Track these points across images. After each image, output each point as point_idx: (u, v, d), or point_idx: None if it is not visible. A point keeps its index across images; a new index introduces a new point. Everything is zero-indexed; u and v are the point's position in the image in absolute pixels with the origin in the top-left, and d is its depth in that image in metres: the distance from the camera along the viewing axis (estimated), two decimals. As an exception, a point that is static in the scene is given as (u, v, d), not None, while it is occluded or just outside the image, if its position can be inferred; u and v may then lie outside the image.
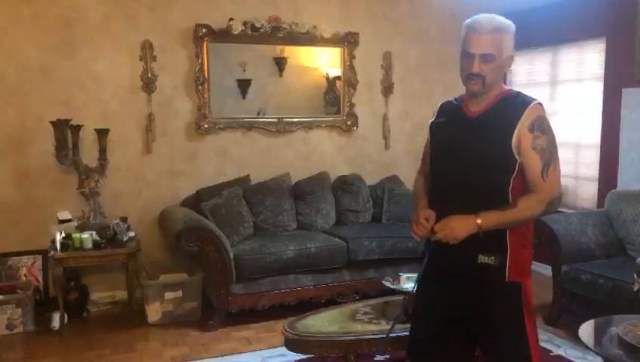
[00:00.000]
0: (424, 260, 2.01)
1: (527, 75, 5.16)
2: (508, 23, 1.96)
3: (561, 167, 1.96)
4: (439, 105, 2.17)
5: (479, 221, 1.86)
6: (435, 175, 2.11)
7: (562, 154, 5.16)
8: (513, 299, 1.94)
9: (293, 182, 4.66)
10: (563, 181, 5.15)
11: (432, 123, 2.15)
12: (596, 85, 4.46)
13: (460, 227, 1.87)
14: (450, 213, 1.93)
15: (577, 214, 4.01)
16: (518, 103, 1.92)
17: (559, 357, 3.25)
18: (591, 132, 4.52)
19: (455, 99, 2.10)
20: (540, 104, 1.93)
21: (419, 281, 2.14)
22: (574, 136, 4.69)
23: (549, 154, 1.88)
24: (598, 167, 4.44)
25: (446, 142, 2.06)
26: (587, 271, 3.45)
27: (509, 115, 1.90)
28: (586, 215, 3.95)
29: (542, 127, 1.89)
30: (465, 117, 2.00)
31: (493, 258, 1.92)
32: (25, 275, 4.03)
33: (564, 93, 4.80)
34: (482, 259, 1.92)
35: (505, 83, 5.52)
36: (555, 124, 5.15)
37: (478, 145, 1.93)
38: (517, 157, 1.89)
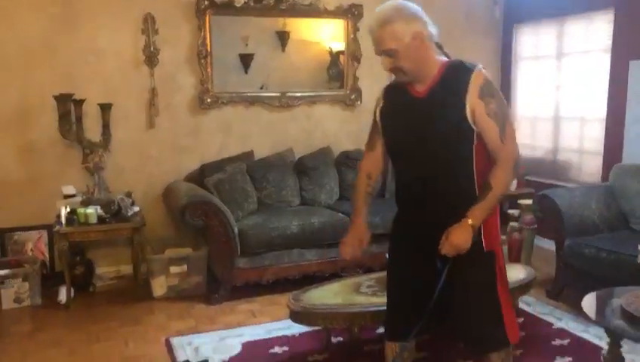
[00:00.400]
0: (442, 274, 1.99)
1: (533, 48, 5.09)
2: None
3: (517, 132, 1.97)
4: (383, 89, 2.14)
5: (471, 222, 1.89)
6: (396, 163, 2.10)
7: (567, 128, 5.10)
8: (489, 267, 2.01)
9: (297, 158, 4.65)
10: (567, 155, 5.14)
11: (380, 109, 2.10)
12: (603, 57, 4.40)
13: (460, 239, 1.89)
14: (420, 200, 2.00)
15: (581, 188, 4.00)
16: (461, 73, 1.91)
17: (561, 329, 3.27)
18: (596, 105, 4.47)
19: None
20: (483, 69, 1.92)
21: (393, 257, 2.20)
22: (580, 109, 4.65)
23: (503, 117, 1.90)
24: (603, 141, 4.41)
25: (399, 129, 2.03)
26: (590, 245, 3.45)
27: (455, 87, 1.90)
28: (590, 189, 3.94)
29: (490, 91, 1.90)
30: (412, 98, 1.97)
31: None
32: (31, 250, 4.07)
33: (570, 65, 4.73)
34: None
35: (511, 56, 5.44)
36: (561, 98, 5.09)
37: (432, 125, 1.93)
38: (473, 126, 1.89)
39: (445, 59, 1.99)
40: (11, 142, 4.01)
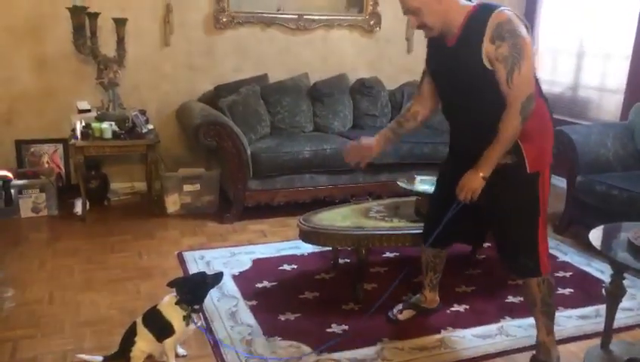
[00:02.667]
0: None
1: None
2: None
3: (533, 65, 1.96)
4: (427, 39, 2.20)
5: (482, 174, 2.00)
6: (441, 102, 2.26)
7: (589, 63, 4.90)
8: (531, 188, 2.07)
9: (312, 83, 4.60)
10: (587, 93, 5.00)
11: (426, 56, 2.24)
12: (634, -9, 4.20)
13: (470, 185, 2.02)
14: (463, 135, 2.17)
15: (599, 125, 3.95)
16: (481, 19, 1.92)
17: (565, 263, 3.33)
18: (623, 41, 4.32)
19: None
20: (501, 11, 1.90)
21: (441, 175, 2.42)
22: (604, 46, 4.50)
23: (513, 59, 1.88)
24: (626, 79, 4.30)
25: (438, 75, 2.19)
26: (602, 182, 3.45)
27: (476, 35, 1.93)
28: (607, 126, 3.89)
29: (501, 34, 1.88)
30: (445, 48, 2.04)
31: (509, 157, 2.03)
32: (47, 162, 4.14)
33: (598, -1, 4.55)
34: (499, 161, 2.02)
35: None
36: (585, 32, 4.87)
37: (460, 72, 2.01)
38: (493, 69, 1.93)
39: (473, 3, 2.00)
40: (25, 53, 3.99)
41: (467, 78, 2.00)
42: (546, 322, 2.22)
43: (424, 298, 2.65)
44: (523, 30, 1.90)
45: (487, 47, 1.89)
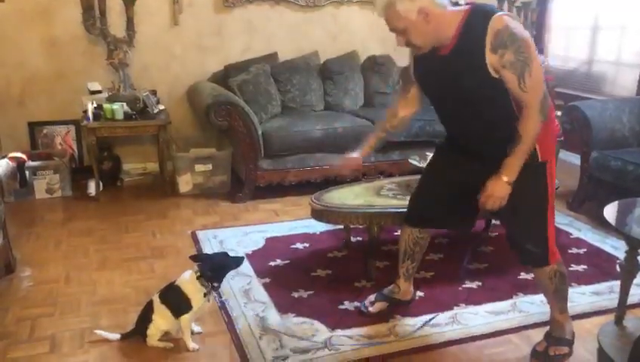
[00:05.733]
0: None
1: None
2: None
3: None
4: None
5: (506, 179, 1.92)
6: (435, 108, 2.15)
7: (604, 38, 4.82)
8: (542, 177, 2.02)
9: (322, 61, 4.56)
10: (602, 67, 4.91)
11: (413, 63, 2.10)
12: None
13: (497, 193, 1.94)
14: (460, 136, 2.13)
15: (614, 101, 3.88)
16: (479, 25, 1.82)
17: (578, 239, 3.31)
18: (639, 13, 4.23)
19: None
20: (498, 17, 1.81)
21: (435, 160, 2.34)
22: (620, 18, 4.41)
23: (521, 64, 1.81)
24: (642, 53, 4.22)
25: (431, 84, 2.08)
26: (617, 158, 3.40)
27: (474, 43, 1.83)
28: (623, 102, 3.82)
29: (503, 41, 1.80)
30: (438, 57, 1.94)
31: None
32: (60, 144, 4.17)
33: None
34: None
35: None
36: (600, 5, 4.76)
37: (459, 83, 1.92)
38: (497, 76, 1.85)
39: (465, 8, 1.89)
40: (35, 35, 3.99)
41: (467, 86, 1.91)
42: (559, 304, 2.21)
43: (397, 288, 2.50)
44: (522, 31, 1.83)
45: (490, 57, 1.81)
